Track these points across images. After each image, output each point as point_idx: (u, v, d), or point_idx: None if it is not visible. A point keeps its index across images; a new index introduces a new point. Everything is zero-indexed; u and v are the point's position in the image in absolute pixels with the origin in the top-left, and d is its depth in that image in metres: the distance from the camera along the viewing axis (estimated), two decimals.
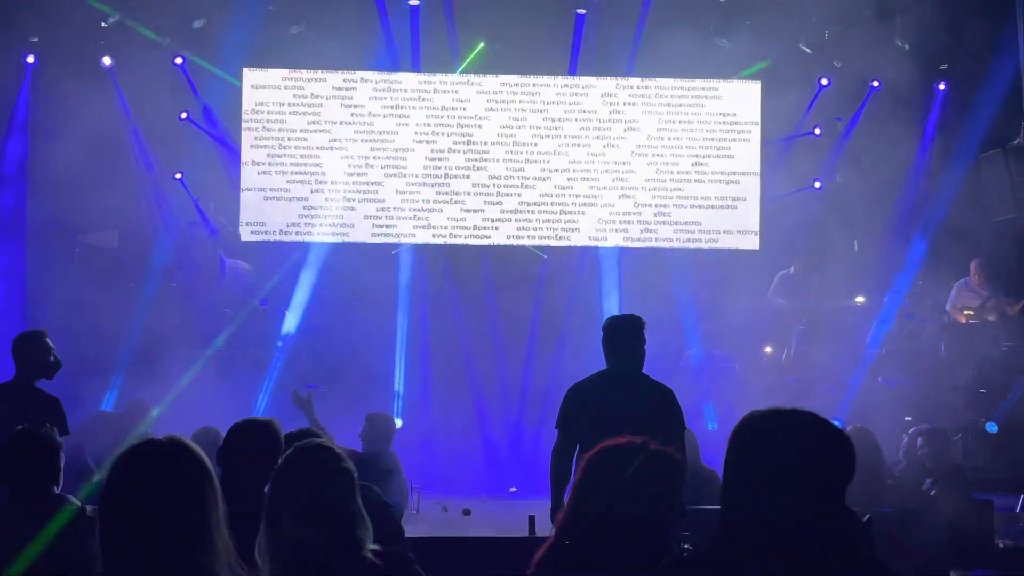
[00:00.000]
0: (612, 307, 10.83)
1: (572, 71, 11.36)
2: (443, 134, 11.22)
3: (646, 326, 5.60)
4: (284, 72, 11.13)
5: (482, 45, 11.36)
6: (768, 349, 11.03)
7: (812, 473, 2.37)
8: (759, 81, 11.39)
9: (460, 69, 11.36)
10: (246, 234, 11.06)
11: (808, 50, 11.36)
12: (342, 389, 9.50)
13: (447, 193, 11.18)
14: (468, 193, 11.21)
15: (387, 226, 11.10)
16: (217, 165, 11.23)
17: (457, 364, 10.83)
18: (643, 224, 11.27)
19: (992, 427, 9.27)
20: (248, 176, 11.07)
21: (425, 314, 11.13)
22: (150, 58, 10.65)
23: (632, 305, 8.84)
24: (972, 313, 10.61)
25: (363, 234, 11.10)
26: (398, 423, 8.43)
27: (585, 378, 5.65)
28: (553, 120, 11.31)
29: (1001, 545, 6.10)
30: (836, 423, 9.45)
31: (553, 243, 11.29)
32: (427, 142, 11.22)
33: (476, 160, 11.23)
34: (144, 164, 11.02)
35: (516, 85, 11.31)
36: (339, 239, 11.08)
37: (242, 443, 3.93)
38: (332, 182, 11.09)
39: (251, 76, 11.13)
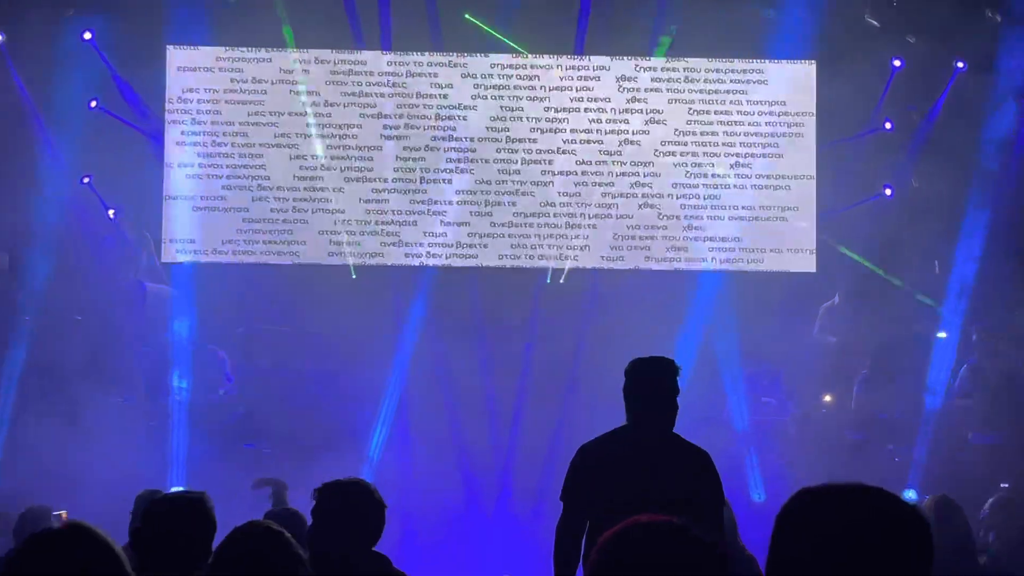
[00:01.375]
0: (633, 346, 10.10)
1: (579, 49, 11.32)
2: (419, 128, 11.17)
3: (680, 372, 5.42)
4: (218, 50, 11.03)
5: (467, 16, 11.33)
6: (827, 398, 10.95)
7: (880, 570, 2.33)
8: (814, 62, 11.32)
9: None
10: (171, 254, 10.96)
11: (875, 23, 11.39)
12: (293, 452, 9.46)
13: (423, 202, 11.13)
14: (450, 202, 11.14)
15: (348, 244, 11.04)
16: (140, 166, 11.17)
17: (439, 419, 10.74)
18: (670, 240, 11.23)
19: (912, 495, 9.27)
20: (173, 181, 10.99)
21: (399, 357, 11.02)
22: (53, 33, 10.66)
23: (658, 344, 8.81)
24: None
25: (317, 253, 11.04)
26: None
27: (599, 437, 5.55)
28: (556, 111, 11.25)
29: None
30: (910, 494, 9.17)
31: (557, 265, 11.24)
32: (398, 138, 11.16)
33: (460, 160, 11.18)
34: (49, 165, 10.98)
35: (510, 67, 11.26)
36: (288, 260, 11.04)
37: (164, 523, 4.00)
38: (279, 188, 11.04)
39: (177, 55, 11.03)
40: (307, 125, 11.05)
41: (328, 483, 4.62)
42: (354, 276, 11.16)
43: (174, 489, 8.18)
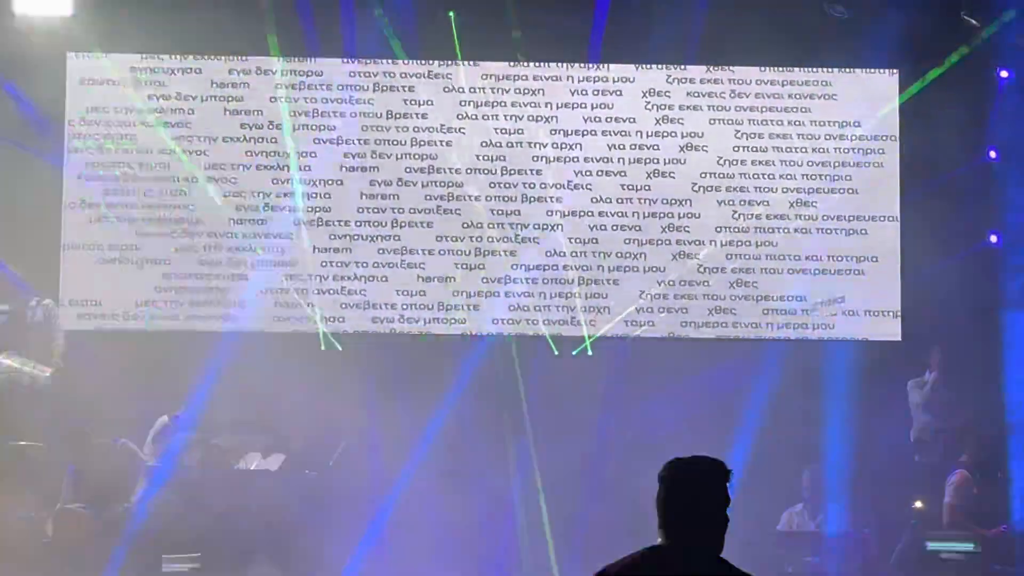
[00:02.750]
0: (667, 441, 9.64)
1: (594, 56, 11.31)
2: (389, 156, 11.15)
3: (731, 477, 4.99)
4: (132, 59, 11.05)
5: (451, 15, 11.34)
6: (918, 504, 10.85)
7: None
8: (896, 71, 11.34)
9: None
10: (69, 319, 10.81)
11: (975, 21, 11.29)
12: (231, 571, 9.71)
13: (396, 251, 11.10)
14: (429, 251, 11.12)
15: (298, 305, 11.01)
16: (32, 204, 11.06)
17: (417, 537, 10.56)
18: (712, 300, 11.20)
19: None
20: (74, 226, 10.95)
21: (367, 456, 11.00)
22: None
23: (700, 438, 8.53)
24: None
25: (259, 319, 11.03)
26: None
27: (623, 559, 5.01)
28: (566, 133, 11.24)
29: None
30: None
31: (567, 332, 11.18)
32: (364, 169, 11.14)
33: (443, 198, 11.14)
34: None
35: (506, 78, 11.30)
36: (221, 327, 10.99)
37: None
38: (210, 235, 11.03)
39: (80, 65, 11.02)
40: (247, 153, 11.02)
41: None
42: (326, 348, 11.14)
43: None
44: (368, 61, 11.16)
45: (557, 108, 11.17)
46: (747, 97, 11.25)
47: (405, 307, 11.00)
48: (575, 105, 11.18)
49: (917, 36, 11.14)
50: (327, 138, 11.06)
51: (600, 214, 11.14)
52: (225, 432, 11.04)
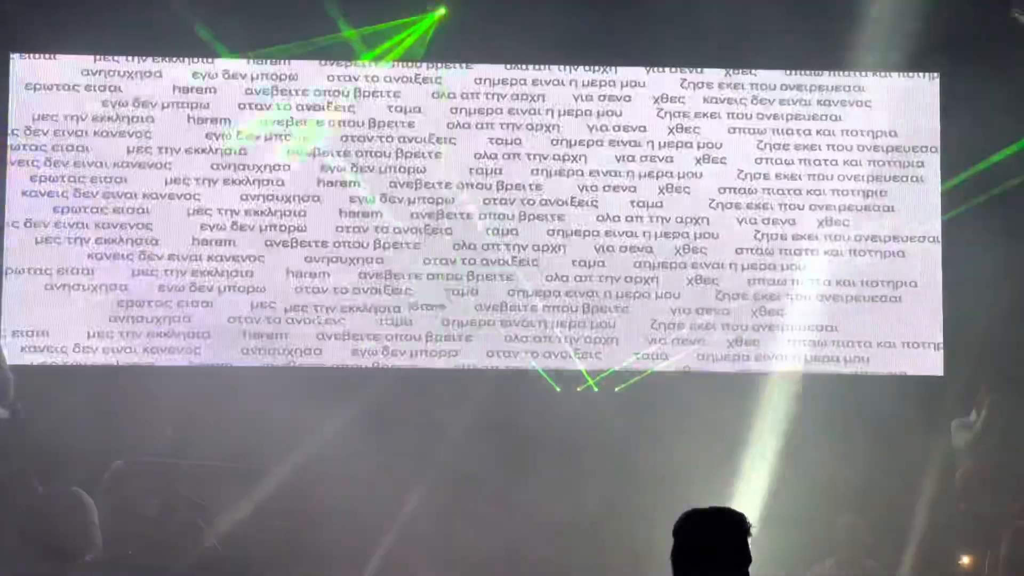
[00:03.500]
0: (681, 489, 9.92)
1: (601, 57, 11.33)
2: (372, 170, 11.19)
3: (752, 531, 5.07)
4: (85, 60, 11.08)
5: (442, 12, 11.38)
6: (964, 560, 10.86)
7: None
8: (937, 75, 11.37)
9: (391, 53, 11.37)
10: (14, 352, 10.71)
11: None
12: None
13: (380, 276, 11.13)
14: (418, 276, 11.15)
15: (271, 336, 11.04)
16: None
17: None
18: (733, 330, 11.26)
19: None
20: (17, 247, 10.94)
21: (347, 508, 10.78)
22: None
23: (717, 486, 9.30)
24: None
25: (227, 352, 11.05)
26: None
27: None
28: (569, 143, 11.27)
29: None
30: None
31: (571, 365, 11.21)
32: (344, 184, 11.18)
33: (432, 216, 11.20)
34: None
35: (502, 82, 11.32)
36: (183, 360, 11.04)
37: None
38: (171, 257, 11.06)
39: (25, 68, 11.04)
40: (213, 166, 11.05)
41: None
42: (299, 382, 10.96)
43: None
44: (347, 63, 11.20)
45: (559, 116, 11.18)
46: (771, 104, 11.29)
47: (389, 338, 10.98)
48: (579, 112, 11.20)
49: (961, 36, 11.12)
50: (302, 149, 11.06)
51: (607, 233, 11.15)
52: (188, 478, 10.78)
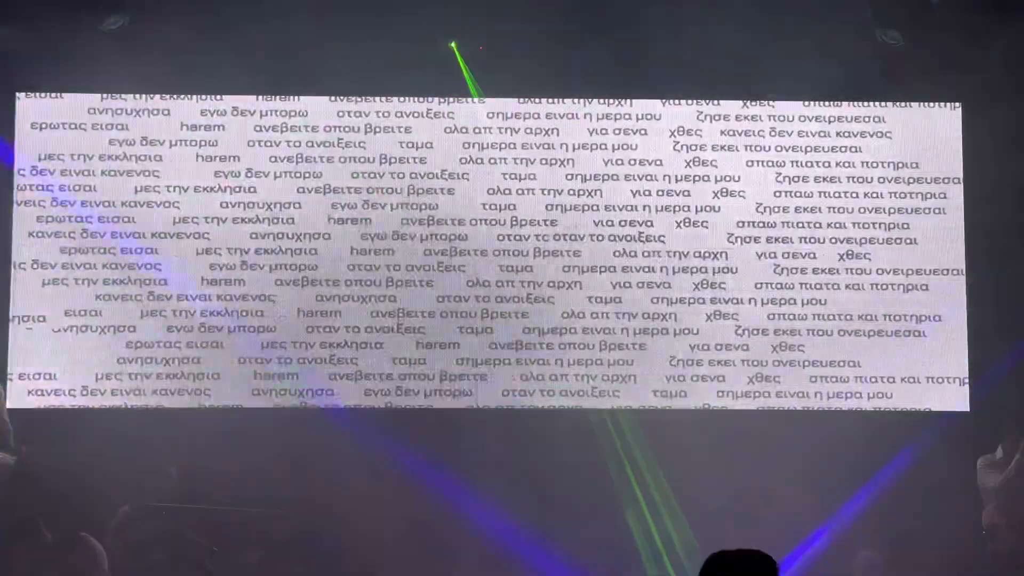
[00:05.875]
0: (705, 530, 10.32)
1: (616, 90, 11.32)
2: (384, 206, 11.15)
3: (780, 573, 5.03)
4: (91, 99, 11.08)
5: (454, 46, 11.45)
6: None
7: None
8: (959, 104, 11.32)
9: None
10: (18, 397, 10.80)
11: None
12: None
13: (392, 314, 11.06)
14: (430, 314, 11.09)
15: (282, 376, 10.98)
16: None
17: None
18: (753, 367, 11.18)
19: None
20: (24, 291, 10.95)
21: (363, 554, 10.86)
22: None
23: (739, 526, 8.82)
24: None
25: (238, 393, 10.98)
26: None
27: None
28: (584, 178, 11.24)
29: None
30: None
31: (586, 404, 11.17)
32: (354, 220, 11.14)
33: (444, 253, 11.16)
34: None
35: (515, 116, 11.33)
36: (194, 403, 10.97)
37: None
38: (179, 298, 11.01)
39: (31, 107, 11.07)
40: (221, 205, 11.02)
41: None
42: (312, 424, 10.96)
43: None
44: (358, 99, 11.17)
45: (574, 150, 11.16)
46: (789, 135, 11.27)
47: (402, 377, 10.93)
48: (594, 146, 11.18)
49: (983, 65, 11.07)
50: (313, 185, 11.05)
51: (624, 269, 11.12)
52: (197, 523, 10.82)
